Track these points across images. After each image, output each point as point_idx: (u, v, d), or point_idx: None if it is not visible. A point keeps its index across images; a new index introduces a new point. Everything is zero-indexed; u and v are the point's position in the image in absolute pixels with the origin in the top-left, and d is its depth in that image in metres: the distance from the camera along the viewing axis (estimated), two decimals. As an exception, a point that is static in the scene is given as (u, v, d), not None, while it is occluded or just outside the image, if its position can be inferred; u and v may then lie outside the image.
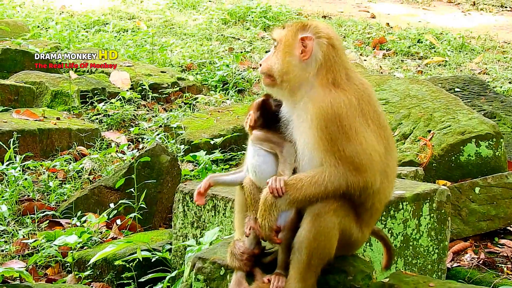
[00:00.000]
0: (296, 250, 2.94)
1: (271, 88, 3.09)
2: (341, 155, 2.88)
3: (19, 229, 5.20)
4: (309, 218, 2.91)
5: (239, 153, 6.39)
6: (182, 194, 4.42)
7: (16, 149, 6.10)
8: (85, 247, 4.91)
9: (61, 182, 6.02)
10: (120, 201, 5.27)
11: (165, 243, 4.64)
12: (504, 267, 4.79)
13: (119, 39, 11.24)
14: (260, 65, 3.11)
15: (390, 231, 3.90)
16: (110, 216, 5.25)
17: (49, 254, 4.72)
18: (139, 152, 5.82)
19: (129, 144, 6.98)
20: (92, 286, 4.52)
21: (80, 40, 10.81)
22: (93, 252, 4.59)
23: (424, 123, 5.88)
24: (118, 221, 5.20)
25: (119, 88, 8.49)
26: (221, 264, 3.23)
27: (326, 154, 2.89)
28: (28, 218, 5.32)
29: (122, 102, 7.92)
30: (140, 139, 7.26)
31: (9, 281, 4.41)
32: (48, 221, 5.33)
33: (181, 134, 6.82)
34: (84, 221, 5.18)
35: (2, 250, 4.94)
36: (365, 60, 10.98)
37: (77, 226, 5.13)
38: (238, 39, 11.78)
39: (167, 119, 7.52)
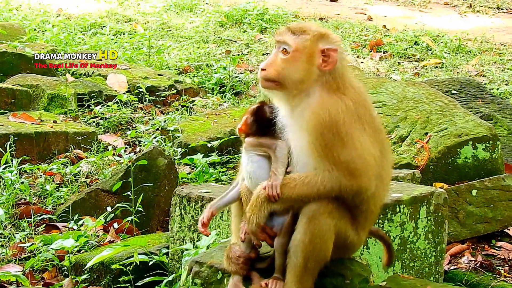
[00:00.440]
0: (292, 254, 2.93)
1: (270, 91, 3.01)
2: (336, 161, 2.87)
3: (16, 233, 5.19)
4: (304, 221, 2.90)
5: (236, 156, 6.39)
6: (179, 198, 4.42)
7: (13, 152, 6.08)
8: (82, 251, 4.89)
9: (58, 185, 6.00)
10: (117, 205, 5.25)
11: (162, 246, 4.63)
12: (501, 269, 4.79)
13: (116, 42, 11.23)
14: (263, 69, 2.98)
15: (387, 234, 3.89)
16: (107, 220, 5.23)
17: (46, 258, 4.70)
18: (136, 155, 5.81)
19: (126, 147, 6.96)
20: (89, 290, 4.52)
21: (77, 43, 10.80)
22: (90, 255, 4.58)
23: (421, 126, 5.88)
24: (115, 225, 5.19)
25: (116, 91, 8.48)
26: (218, 268, 3.22)
27: (320, 159, 2.88)
28: (24, 221, 5.30)
29: (119, 105, 7.91)
30: (137, 142, 7.25)
31: (5, 285, 4.40)
32: (45, 224, 5.31)
33: (178, 137, 6.82)
34: (81, 225, 5.15)
35: (-1, 254, 4.93)
36: (362, 62, 10.99)
37: (74, 229, 5.11)
38: (235, 41, 11.77)
39: (164, 122, 7.50)
